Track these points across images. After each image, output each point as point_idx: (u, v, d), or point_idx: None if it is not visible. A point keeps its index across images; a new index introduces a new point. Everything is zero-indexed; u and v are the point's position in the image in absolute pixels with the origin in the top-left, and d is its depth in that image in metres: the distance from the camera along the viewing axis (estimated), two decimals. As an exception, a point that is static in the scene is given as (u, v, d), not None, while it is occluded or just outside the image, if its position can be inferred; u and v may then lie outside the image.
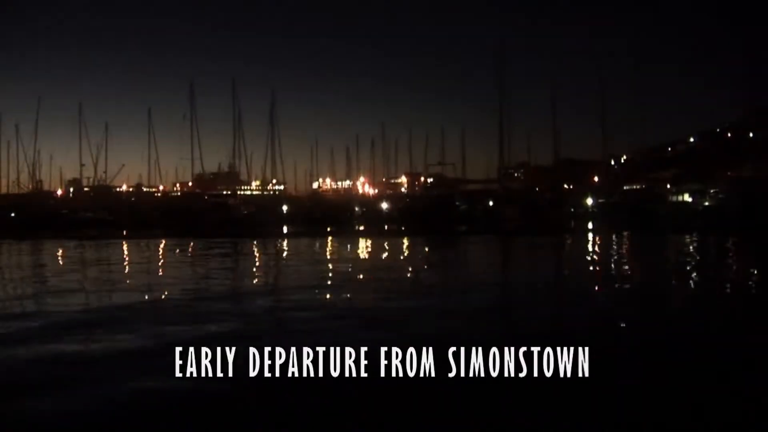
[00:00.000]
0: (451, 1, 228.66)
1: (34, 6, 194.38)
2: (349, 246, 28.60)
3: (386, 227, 44.60)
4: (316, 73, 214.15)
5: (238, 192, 77.28)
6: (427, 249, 28.03)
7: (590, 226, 43.49)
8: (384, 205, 53.13)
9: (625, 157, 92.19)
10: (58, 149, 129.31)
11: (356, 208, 51.58)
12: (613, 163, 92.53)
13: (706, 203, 47.81)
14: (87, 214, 48.98)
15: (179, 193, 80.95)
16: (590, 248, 27.28)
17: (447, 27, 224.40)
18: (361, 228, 44.44)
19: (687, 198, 51.30)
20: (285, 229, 44.16)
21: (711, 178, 66.44)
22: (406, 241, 31.77)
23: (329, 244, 30.77)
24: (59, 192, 74.35)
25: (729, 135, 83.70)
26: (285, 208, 52.94)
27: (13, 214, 49.00)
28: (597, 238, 32.98)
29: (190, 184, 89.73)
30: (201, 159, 62.62)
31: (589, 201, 52.07)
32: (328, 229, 42.35)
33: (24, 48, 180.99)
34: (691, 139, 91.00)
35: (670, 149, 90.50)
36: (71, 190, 75.18)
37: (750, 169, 55.74)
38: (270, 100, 64.22)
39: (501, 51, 61.13)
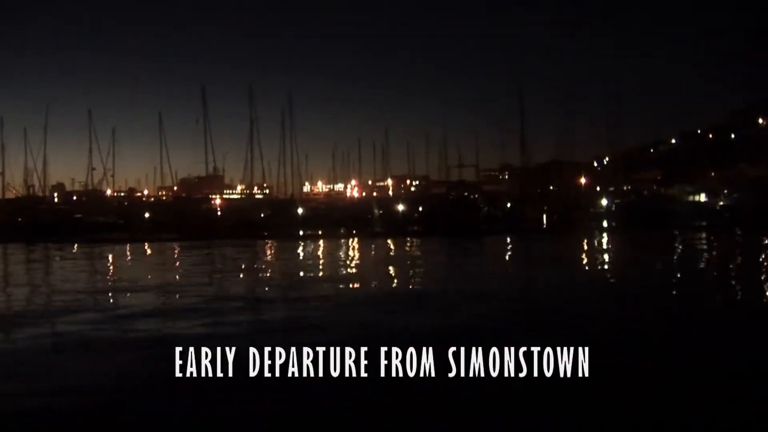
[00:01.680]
0: (453, 4, 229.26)
1: (40, 7, 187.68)
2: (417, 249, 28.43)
3: (415, 228, 44.14)
4: (316, 75, 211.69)
5: (224, 195, 75.95)
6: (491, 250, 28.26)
7: (612, 225, 44.04)
8: (400, 207, 52.56)
9: (607, 158, 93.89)
10: (61, 154, 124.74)
11: (375, 210, 50.75)
12: (596, 164, 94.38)
13: (721, 202, 49.04)
14: (99, 219, 47.12)
15: (165, 197, 78.89)
16: (638, 246, 28.23)
17: (445, 27, 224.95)
18: (387, 230, 43.67)
19: (703, 197, 52.67)
20: (308, 231, 43.09)
21: (698, 179, 68.47)
22: (457, 244, 31.76)
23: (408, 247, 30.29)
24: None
25: (710, 136, 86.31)
26: (300, 210, 51.76)
27: (20, 219, 46.65)
28: (629, 237, 33.63)
29: (175, 188, 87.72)
30: (215, 162, 61.37)
31: (604, 201, 52.75)
32: (353, 231, 41.65)
33: (32, 52, 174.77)
34: (673, 141, 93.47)
35: (652, 150, 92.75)
36: (56, 194, 72.29)
37: (763, 168, 57.42)
38: (283, 105, 63.53)
39: (519, 58, 62.27)
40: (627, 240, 31.77)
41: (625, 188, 71.01)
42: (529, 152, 62.79)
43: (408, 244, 31.24)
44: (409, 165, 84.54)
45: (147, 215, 49.15)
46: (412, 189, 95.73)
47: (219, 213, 51.72)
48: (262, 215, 49.65)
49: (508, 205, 52.80)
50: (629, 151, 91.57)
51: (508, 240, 33.74)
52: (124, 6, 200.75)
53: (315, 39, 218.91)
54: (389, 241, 34.09)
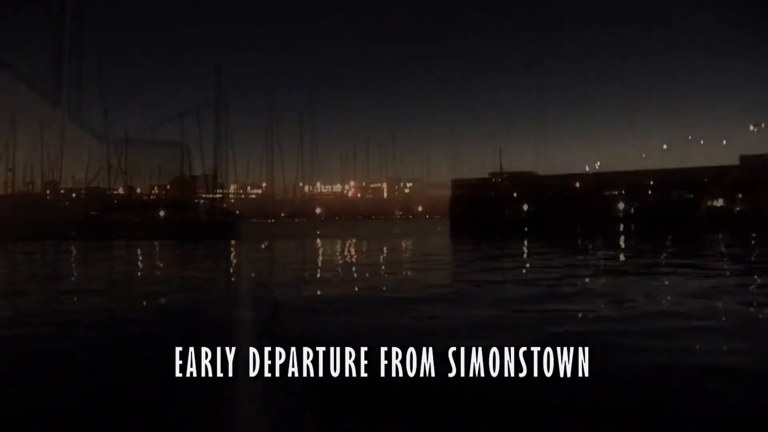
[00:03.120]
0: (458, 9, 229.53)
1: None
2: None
3: (438, 229, 44.01)
4: (318, 78, 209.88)
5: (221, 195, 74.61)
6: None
7: (632, 228, 44.32)
8: (419, 208, 52.33)
9: (599, 163, 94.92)
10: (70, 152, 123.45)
11: (396, 212, 50.47)
12: (588, 169, 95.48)
13: (738, 208, 49.98)
14: (115, 216, 45.61)
15: (156, 196, 77.43)
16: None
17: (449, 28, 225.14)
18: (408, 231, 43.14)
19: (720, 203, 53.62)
20: (331, 230, 42.30)
21: (692, 185, 69.52)
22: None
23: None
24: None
25: (702, 142, 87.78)
26: (318, 210, 51.05)
27: (31, 217, 44.78)
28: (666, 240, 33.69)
29: (168, 187, 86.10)
30: (234, 163, 60.19)
31: (621, 205, 53.27)
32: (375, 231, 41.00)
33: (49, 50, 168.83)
34: (665, 146, 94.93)
35: (644, 155, 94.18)
36: (48, 191, 70.06)
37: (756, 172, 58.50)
38: (282, 106, 62.62)
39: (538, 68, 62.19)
40: (667, 243, 31.61)
41: (615, 193, 72.09)
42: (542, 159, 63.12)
43: (441, 246, 30.53)
44: (426, 168, 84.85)
45: (162, 214, 47.76)
46: (406, 191, 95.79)
47: (238, 212, 50.77)
48: (282, 215, 48.89)
49: (525, 207, 52.96)
50: (621, 155, 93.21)
51: (541, 242, 33.30)
52: (137, 5, 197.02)
53: (322, 40, 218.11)
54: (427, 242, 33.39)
